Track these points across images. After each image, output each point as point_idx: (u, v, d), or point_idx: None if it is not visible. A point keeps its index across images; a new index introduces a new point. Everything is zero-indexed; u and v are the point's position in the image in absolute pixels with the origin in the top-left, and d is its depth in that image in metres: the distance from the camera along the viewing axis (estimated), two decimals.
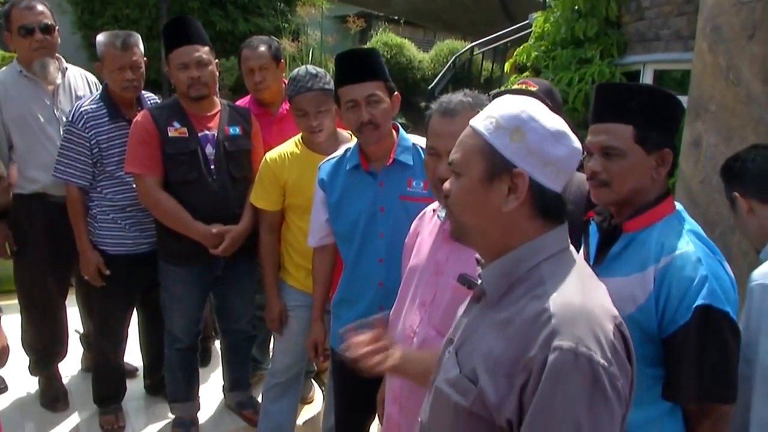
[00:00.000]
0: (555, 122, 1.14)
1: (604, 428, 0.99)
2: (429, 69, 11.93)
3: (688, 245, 1.45)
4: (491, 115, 1.15)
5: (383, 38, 12.07)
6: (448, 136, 1.63)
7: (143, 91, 2.98)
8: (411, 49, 12.28)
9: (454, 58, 9.87)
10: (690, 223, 1.53)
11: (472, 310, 1.24)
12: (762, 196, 1.81)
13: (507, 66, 7.12)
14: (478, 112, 1.63)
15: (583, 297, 1.06)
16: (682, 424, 1.49)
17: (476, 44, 9.89)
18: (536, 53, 6.31)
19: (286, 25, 10.17)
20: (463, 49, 10.23)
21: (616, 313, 1.09)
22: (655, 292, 1.43)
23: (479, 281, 1.60)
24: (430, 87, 9.12)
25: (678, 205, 1.57)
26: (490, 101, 1.71)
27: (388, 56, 11.40)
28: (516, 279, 1.13)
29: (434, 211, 1.84)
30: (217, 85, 3.42)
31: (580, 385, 0.97)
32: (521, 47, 6.55)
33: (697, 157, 2.91)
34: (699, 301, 1.38)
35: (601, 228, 1.61)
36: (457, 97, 1.69)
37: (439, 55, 12.22)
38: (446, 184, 1.21)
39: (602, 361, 0.99)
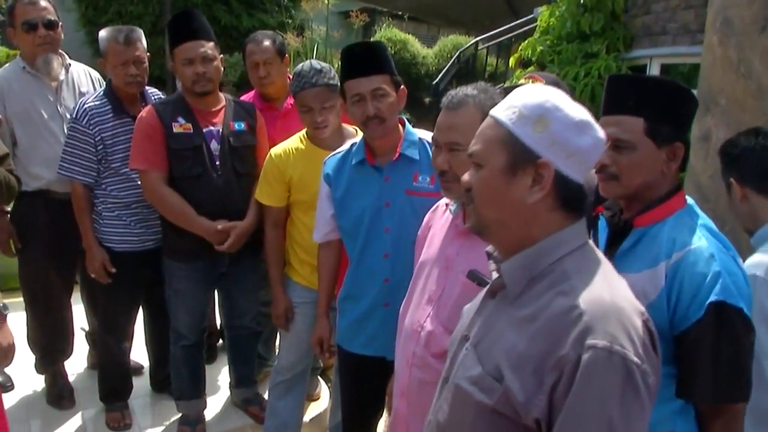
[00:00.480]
0: (579, 112, 1.11)
1: (635, 425, 0.98)
2: (433, 65, 11.91)
3: (700, 240, 1.42)
4: (513, 105, 1.12)
5: (387, 34, 12.05)
6: (447, 128, 1.67)
7: (147, 87, 2.97)
8: (415, 45, 12.26)
9: (458, 53, 9.83)
10: (702, 218, 1.50)
11: (487, 305, 1.21)
12: (757, 185, 1.85)
13: (512, 61, 7.08)
14: (485, 103, 1.63)
15: (612, 293, 1.04)
16: (694, 422, 1.47)
17: (480, 39, 9.85)
18: (541, 48, 6.26)
19: (290, 21, 10.16)
20: (468, 45, 10.19)
21: (642, 308, 1.07)
22: (666, 289, 1.40)
23: (491, 278, 1.59)
24: (434, 83, 9.09)
25: (689, 200, 1.54)
26: (502, 95, 1.69)
27: (392, 52, 11.33)
28: (537, 273, 1.10)
29: (446, 205, 1.82)
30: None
31: (615, 383, 0.96)
32: (526, 42, 6.50)
33: (706, 151, 2.87)
34: (712, 298, 1.35)
35: (611, 223, 1.58)
36: (464, 90, 1.68)
37: (443, 50, 12.20)
38: (465, 176, 1.18)
39: (635, 359, 0.98)
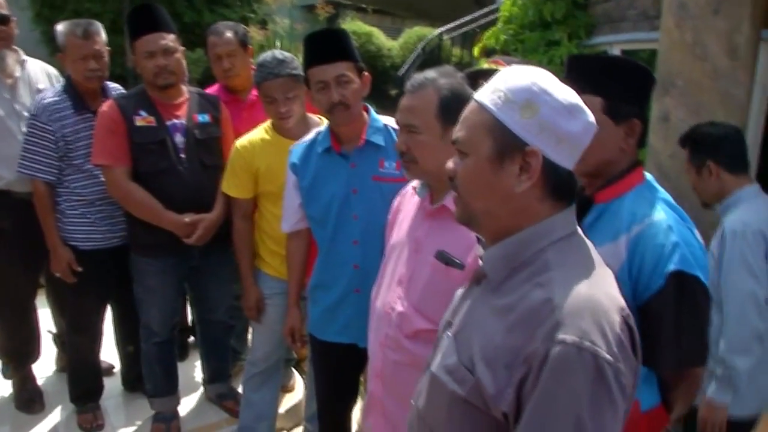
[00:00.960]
0: (568, 95, 1.06)
1: (606, 426, 0.94)
2: (398, 56, 11.89)
3: (659, 213, 1.46)
4: (498, 89, 1.06)
5: (351, 26, 11.97)
6: (404, 111, 1.69)
7: (108, 82, 2.92)
8: (380, 37, 12.23)
9: (423, 44, 9.83)
10: (661, 192, 1.54)
11: (472, 292, 1.18)
12: (730, 165, 2.28)
13: (476, 51, 7.12)
14: (444, 86, 1.65)
15: (590, 287, 1.00)
16: (657, 389, 1.51)
17: (445, 30, 9.86)
18: (505, 37, 6.31)
19: (253, 15, 10.05)
20: (432, 35, 10.19)
21: (624, 303, 1.03)
22: (628, 261, 1.44)
23: (459, 259, 1.61)
24: (399, 74, 9.09)
25: (648, 175, 1.58)
26: (465, 80, 1.71)
27: (357, 45, 11.29)
28: (519, 263, 1.06)
29: (414, 188, 1.84)
30: (187, 75, 3.37)
31: (584, 381, 0.92)
32: (490, 31, 6.55)
33: (666, 131, 2.94)
34: (671, 267, 1.39)
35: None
36: (427, 73, 1.70)
37: (408, 42, 12.18)
38: (450, 164, 1.14)
39: (608, 356, 0.93)
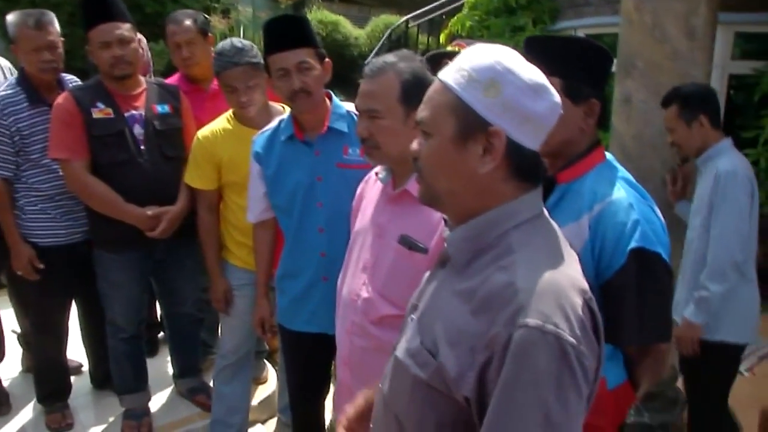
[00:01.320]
0: (534, 74, 1.04)
1: (572, 409, 0.92)
2: (366, 45, 11.86)
3: (619, 191, 1.47)
4: (462, 68, 1.04)
5: (318, 16, 11.90)
6: (364, 96, 1.67)
7: (64, 74, 2.84)
8: (347, 26, 12.17)
9: (389, 32, 9.80)
10: (621, 171, 1.55)
11: (437, 275, 1.17)
12: (714, 121, 2.57)
13: (442, 37, 7.14)
14: (404, 70, 1.63)
15: (553, 270, 0.98)
16: (623, 367, 1.53)
17: (411, 17, 9.84)
18: (470, 23, 6.34)
19: (217, 4, 9.91)
20: (398, 23, 10.17)
21: (586, 287, 1.02)
22: (590, 240, 1.45)
23: (422, 242, 1.61)
24: (366, 63, 9.04)
25: (608, 155, 1.60)
26: (424, 63, 1.70)
27: (324, 34, 11.25)
28: (484, 245, 1.05)
29: (377, 174, 1.83)
30: (151, 65, 3.30)
31: (548, 364, 0.91)
32: (456, 18, 6.57)
33: (628, 113, 2.98)
34: (632, 244, 1.40)
35: None
36: (386, 57, 1.68)
37: (375, 30, 12.15)
38: (414, 145, 1.11)
39: (571, 339, 0.92)
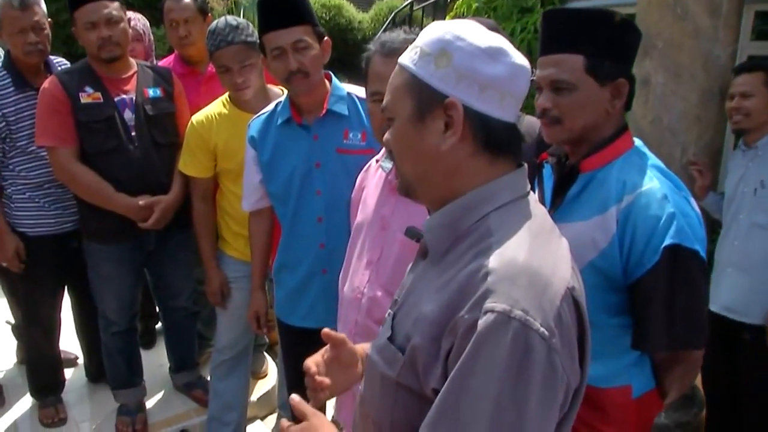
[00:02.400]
0: (488, 39, 0.96)
1: (529, 412, 0.81)
2: (369, 29, 11.70)
3: (652, 181, 1.33)
4: (415, 45, 1.00)
5: (321, 0, 11.72)
6: (386, 77, 1.49)
7: (52, 57, 2.72)
8: (350, 10, 12.01)
9: (393, 14, 9.65)
10: (651, 158, 1.42)
11: (417, 266, 1.09)
12: None
13: (448, 20, 6.98)
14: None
15: (531, 252, 0.89)
16: (651, 374, 1.41)
17: (415, 0, 9.67)
18: (477, 4, 6.17)
19: None
20: (402, 6, 10.00)
21: (570, 275, 0.93)
22: (618, 235, 1.32)
23: None
24: (368, 45, 8.89)
25: (637, 141, 1.46)
26: None
27: (327, 18, 11.10)
28: (461, 232, 0.97)
29: (377, 161, 1.71)
30: (152, 49, 3.17)
31: (509, 354, 0.81)
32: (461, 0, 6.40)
33: (646, 96, 2.83)
34: (667, 241, 1.27)
35: (556, 170, 1.48)
36: (400, 35, 1.54)
37: (379, 14, 11.99)
38: (386, 135, 1.05)
39: (542, 329, 0.82)
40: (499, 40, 0.97)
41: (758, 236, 2.40)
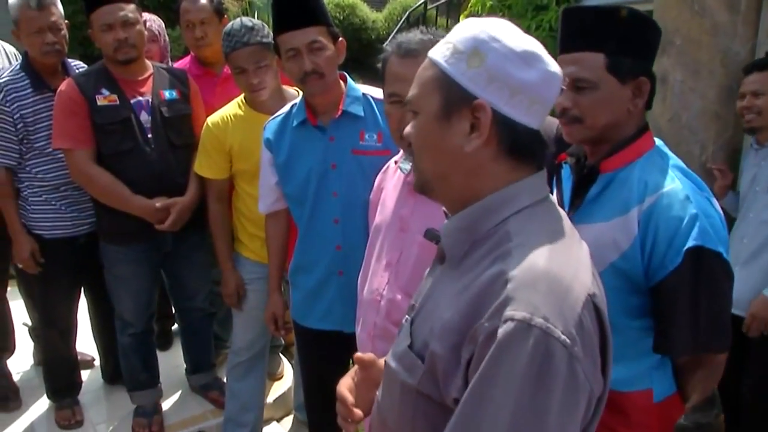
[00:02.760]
0: (524, 41, 0.94)
1: (551, 420, 0.80)
2: (383, 29, 11.66)
3: (674, 182, 1.31)
4: (448, 41, 0.97)
5: None
6: (413, 79, 1.48)
7: (69, 59, 2.73)
8: (364, 9, 11.98)
9: (407, 14, 9.62)
10: (673, 158, 1.39)
11: (435, 271, 1.07)
12: None
13: (462, 18, 6.94)
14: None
15: (551, 258, 0.87)
16: (672, 377, 1.38)
17: None
18: (491, 2, 6.14)
19: None
20: (416, 5, 9.98)
21: (591, 282, 0.91)
22: (640, 236, 1.29)
23: None
24: (384, 45, 8.88)
25: (657, 141, 1.43)
26: None
27: (341, 17, 11.09)
28: (480, 236, 0.95)
29: (396, 163, 1.69)
30: (168, 50, 3.18)
31: (530, 363, 0.79)
32: None
33: (664, 94, 2.79)
34: (690, 243, 1.25)
35: (576, 170, 1.46)
36: (416, 35, 1.52)
37: (393, 13, 11.95)
38: (407, 128, 1.03)
39: (563, 336, 0.80)
40: (534, 45, 0.95)
41: (766, 234, 2.38)
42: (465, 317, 0.88)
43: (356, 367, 1.21)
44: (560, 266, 0.87)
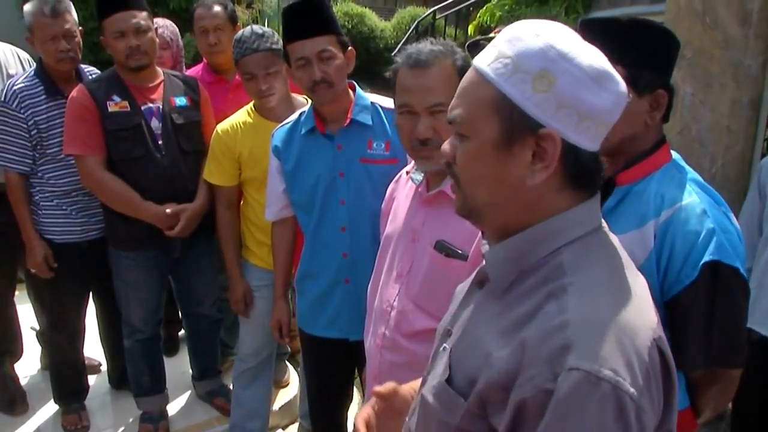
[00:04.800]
0: (594, 58, 0.84)
1: None
2: (392, 38, 11.69)
3: (691, 196, 1.30)
4: (504, 54, 0.85)
5: (343, 8, 11.77)
6: (423, 90, 1.48)
7: (83, 65, 2.74)
8: (372, 18, 12.02)
9: (416, 23, 9.67)
10: (690, 172, 1.39)
11: (473, 296, 0.99)
12: None
13: (471, 29, 6.97)
14: (452, 60, 1.47)
15: (614, 300, 0.81)
16: (686, 391, 1.37)
17: (438, 8, 9.69)
18: (500, 13, 6.17)
19: None
20: (425, 14, 10.02)
21: (655, 322, 0.84)
22: (656, 250, 1.29)
23: (460, 248, 1.46)
24: (392, 55, 8.91)
25: (674, 154, 1.43)
26: (465, 52, 1.54)
27: (350, 26, 11.13)
28: (529, 266, 0.88)
29: (407, 173, 1.69)
30: (182, 54, 3.20)
31: (600, 420, 0.74)
32: (484, 8, 6.40)
33: (674, 106, 2.78)
34: (707, 258, 1.24)
35: None
36: (426, 46, 1.51)
37: (401, 23, 11.99)
38: (446, 147, 0.93)
39: (631, 389, 0.75)
40: (604, 61, 0.86)
41: None
42: (518, 357, 0.81)
43: (374, 398, 1.16)
44: (623, 309, 0.81)
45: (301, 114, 2.11)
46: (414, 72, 1.49)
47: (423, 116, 1.50)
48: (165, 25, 3.10)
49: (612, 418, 0.74)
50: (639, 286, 0.88)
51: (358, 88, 2.10)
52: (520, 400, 0.79)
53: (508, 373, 0.81)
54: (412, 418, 1.04)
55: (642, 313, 0.83)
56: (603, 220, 0.94)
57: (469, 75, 0.91)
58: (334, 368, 2.23)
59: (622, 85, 0.87)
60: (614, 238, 0.94)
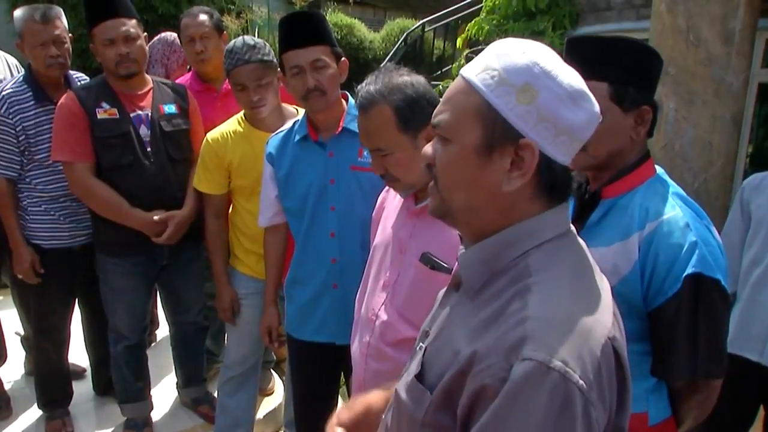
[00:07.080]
0: (573, 78, 0.90)
1: None
2: (380, 49, 11.75)
3: (674, 209, 1.34)
4: (492, 67, 0.90)
5: (333, 19, 11.81)
6: (365, 134, 1.58)
7: (72, 71, 2.75)
8: (362, 30, 12.07)
9: (405, 36, 9.72)
10: (673, 186, 1.42)
11: (450, 298, 1.03)
12: None
13: (459, 42, 7.02)
14: (393, 97, 1.51)
15: (572, 298, 0.85)
16: (668, 401, 1.40)
17: (427, 21, 9.75)
18: (488, 27, 6.22)
19: (232, 6, 9.83)
20: (414, 27, 10.08)
21: (611, 324, 0.87)
22: (640, 262, 1.32)
23: (445, 261, 1.48)
24: (381, 66, 8.94)
25: (658, 168, 1.46)
26: (408, 72, 1.56)
27: (339, 37, 11.17)
28: (499, 268, 0.92)
29: None
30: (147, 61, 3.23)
31: (546, 407, 0.76)
32: (473, 22, 6.45)
33: (658, 122, 2.83)
34: (689, 270, 1.27)
35: (577, 195, 1.49)
36: (370, 85, 1.56)
37: (390, 34, 12.05)
38: (428, 149, 0.97)
39: (581, 382, 0.78)
40: (580, 81, 0.91)
41: None
42: (475, 349, 0.85)
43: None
44: (581, 307, 0.85)
45: (295, 122, 2.14)
46: (360, 114, 1.57)
47: (372, 156, 1.59)
48: (175, 42, 3.16)
49: (558, 406, 0.77)
50: (601, 290, 0.92)
51: (350, 97, 2.12)
52: (476, 387, 0.82)
53: (469, 362, 0.84)
54: (388, 413, 1.07)
55: (599, 314, 0.87)
56: (573, 228, 0.98)
57: (457, 83, 0.95)
58: (321, 373, 2.24)
59: (596, 105, 0.92)
60: (582, 243, 0.98)
